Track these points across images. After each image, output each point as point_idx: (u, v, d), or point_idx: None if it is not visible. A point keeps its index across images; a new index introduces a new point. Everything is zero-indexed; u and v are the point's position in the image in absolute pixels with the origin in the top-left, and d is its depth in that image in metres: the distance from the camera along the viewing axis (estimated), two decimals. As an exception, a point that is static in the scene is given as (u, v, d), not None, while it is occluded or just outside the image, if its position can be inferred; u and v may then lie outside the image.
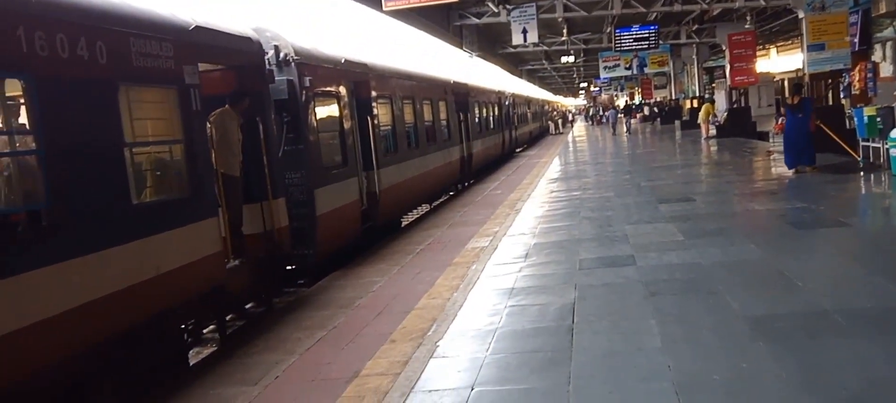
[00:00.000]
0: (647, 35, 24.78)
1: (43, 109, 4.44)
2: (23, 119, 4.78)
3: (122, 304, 5.02)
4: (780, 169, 13.54)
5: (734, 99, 28.07)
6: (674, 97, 42.25)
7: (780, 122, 20.65)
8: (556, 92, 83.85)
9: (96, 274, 4.77)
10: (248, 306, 7.95)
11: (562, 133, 47.44)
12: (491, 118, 23.64)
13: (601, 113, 53.06)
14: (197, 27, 6.26)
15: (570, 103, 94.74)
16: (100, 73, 4.96)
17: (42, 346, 4.34)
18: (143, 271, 5.25)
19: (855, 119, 13.57)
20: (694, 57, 33.67)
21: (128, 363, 5.42)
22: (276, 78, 7.89)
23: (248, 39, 7.40)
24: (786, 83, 47.22)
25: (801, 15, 16.61)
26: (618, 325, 5.19)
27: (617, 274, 6.67)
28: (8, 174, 4.74)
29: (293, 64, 8.16)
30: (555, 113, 59.76)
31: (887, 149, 11.62)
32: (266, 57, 7.78)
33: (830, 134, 13.65)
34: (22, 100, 4.61)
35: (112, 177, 5.09)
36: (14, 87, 4.56)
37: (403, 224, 13.43)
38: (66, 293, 4.50)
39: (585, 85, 72.73)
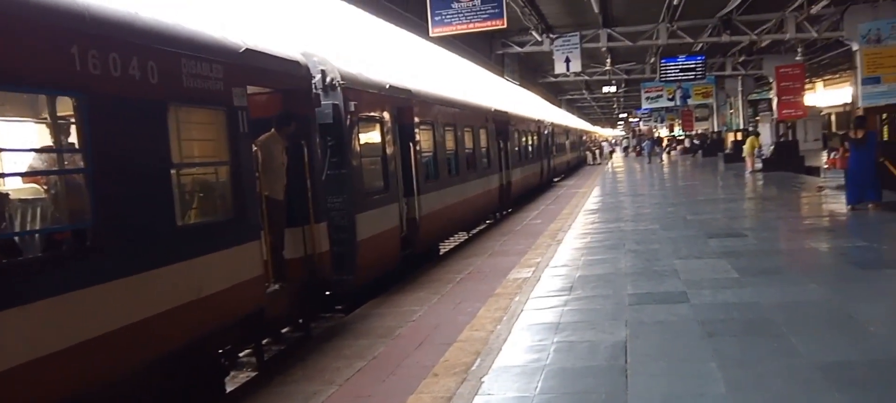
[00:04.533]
0: (693, 66, 24.42)
1: (93, 128, 4.41)
2: (72, 138, 4.76)
3: (164, 327, 4.93)
4: (834, 205, 13.00)
5: (781, 132, 27.37)
6: (716, 129, 41.54)
7: (832, 157, 20.00)
8: (594, 122, 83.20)
9: (139, 296, 4.69)
10: (284, 330, 7.83)
11: (599, 163, 46.90)
12: (530, 147, 23.45)
13: (639, 144, 52.40)
14: (247, 50, 6.24)
15: (608, 133, 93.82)
16: (150, 93, 4.94)
17: (83, 368, 4.24)
18: (185, 293, 5.17)
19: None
20: (739, 89, 33.08)
21: (166, 387, 5.32)
22: (322, 102, 7.85)
23: (296, 63, 7.37)
24: (833, 117, 46.15)
25: (855, 47, 16.16)
26: (676, 367, 4.90)
27: (670, 312, 6.36)
28: (55, 192, 4.72)
29: (339, 88, 8.12)
30: (592, 143, 59.26)
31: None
32: (313, 81, 7.75)
33: (893, 169, 13.08)
34: (72, 119, 4.59)
35: (158, 197, 5.04)
36: (65, 106, 4.54)
37: (442, 251, 13.25)
38: (108, 314, 4.41)
39: (625, 115, 72.05)
